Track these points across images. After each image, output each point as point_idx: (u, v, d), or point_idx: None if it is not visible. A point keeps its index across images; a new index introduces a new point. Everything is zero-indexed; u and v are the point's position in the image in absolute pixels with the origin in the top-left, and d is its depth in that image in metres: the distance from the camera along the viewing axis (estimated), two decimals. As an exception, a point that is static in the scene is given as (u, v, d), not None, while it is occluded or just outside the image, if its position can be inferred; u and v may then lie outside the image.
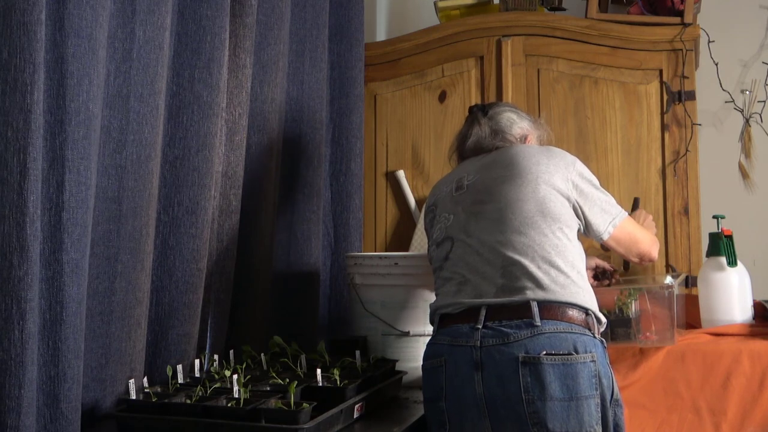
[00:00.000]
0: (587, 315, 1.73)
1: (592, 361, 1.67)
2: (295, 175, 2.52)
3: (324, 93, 2.65)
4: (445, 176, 2.06)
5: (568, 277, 1.73)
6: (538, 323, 1.66)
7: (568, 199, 1.81)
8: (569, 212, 1.81)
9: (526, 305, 1.68)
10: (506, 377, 1.64)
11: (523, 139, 2.00)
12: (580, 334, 1.69)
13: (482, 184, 1.86)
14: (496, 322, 1.69)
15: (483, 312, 1.70)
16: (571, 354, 1.65)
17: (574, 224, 1.82)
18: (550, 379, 1.62)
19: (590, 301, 1.76)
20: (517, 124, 2.01)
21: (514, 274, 1.72)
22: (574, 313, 1.71)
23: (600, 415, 1.66)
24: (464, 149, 2.03)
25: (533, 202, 1.78)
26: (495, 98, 2.85)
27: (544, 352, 1.64)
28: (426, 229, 2.03)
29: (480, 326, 1.69)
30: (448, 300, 1.79)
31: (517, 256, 1.73)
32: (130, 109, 1.77)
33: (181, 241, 1.93)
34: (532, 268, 1.72)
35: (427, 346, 1.81)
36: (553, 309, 1.69)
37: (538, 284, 1.70)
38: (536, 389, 1.62)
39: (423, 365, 1.80)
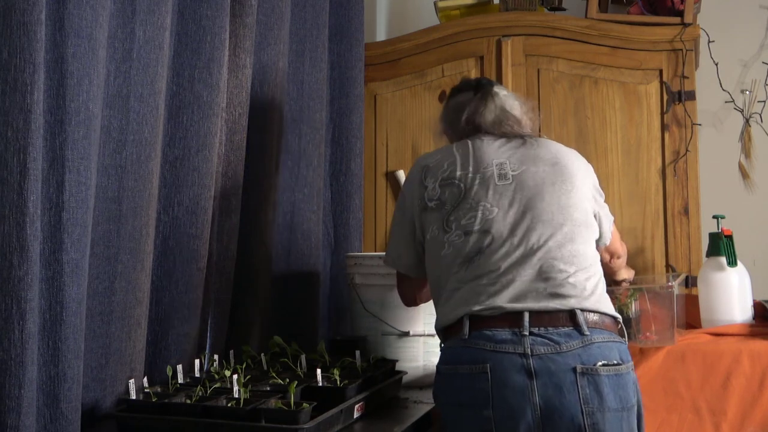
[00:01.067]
0: (616, 322, 1.73)
1: (632, 369, 1.68)
2: (295, 175, 2.52)
3: (324, 93, 2.65)
4: (460, 147, 1.87)
5: (602, 287, 1.74)
6: (587, 332, 1.64)
7: (593, 209, 1.83)
8: (596, 222, 1.84)
9: (571, 313, 1.65)
10: (564, 387, 1.60)
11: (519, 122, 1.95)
12: (620, 342, 1.70)
13: (531, 180, 1.78)
14: (540, 328, 1.64)
15: (526, 317, 1.64)
16: (620, 364, 1.65)
17: (597, 234, 1.85)
18: (606, 390, 1.61)
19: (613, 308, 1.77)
20: (516, 106, 1.96)
21: (558, 281, 1.68)
22: (610, 322, 1.71)
23: (637, 421, 1.67)
24: (480, 122, 1.89)
25: (581, 210, 1.78)
26: (495, 98, 2.85)
27: (600, 363, 1.62)
28: (433, 199, 1.81)
29: (527, 333, 1.63)
30: (481, 301, 1.68)
31: (562, 264, 1.70)
32: (130, 109, 1.77)
33: (181, 241, 1.93)
34: (577, 276, 1.70)
35: (456, 348, 1.69)
36: (595, 318, 1.67)
37: (582, 293, 1.68)
38: (595, 400, 1.60)
39: (454, 368, 1.68)
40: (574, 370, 1.61)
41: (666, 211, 2.72)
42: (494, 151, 1.83)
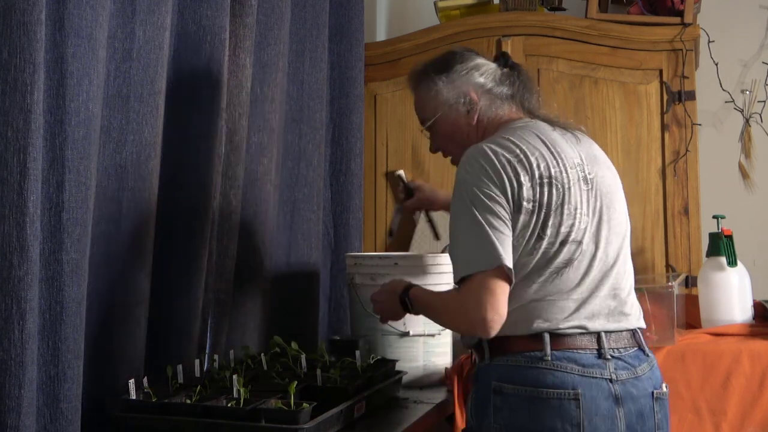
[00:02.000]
0: None
1: None
2: (295, 175, 2.52)
3: (324, 93, 2.65)
4: (529, 137, 1.60)
5: None
6: (649, 353, 1.60)
7: None
8: None
9: (635, 333, 1.60)
10: (645, 414, 1.55)
11: None
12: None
13: (605, 186, 1.63)
14: (615, 351, 1.55)
15: (604, 338, 1.53)
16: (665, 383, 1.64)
17: None
18: (667, 413, 1.60)
19: None
20: None
21: (622, 299, 1.60)
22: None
23: None
24: (531, 108, 1.72)
25: (629, 219, 1.71)
26: (495, 98, 2.85)
27: (664, 385, 1.61)
28: (530, 200, 1.53)
29: (609, 357, 1.53)
30: (564, 317, 1.54)
31: (624, 281, 1.63)
32: (130, 109, 1.77)
33: (181, 241, 1.93)
34: (631, 293, 1.64)
35: (532, 368, 1.52)
36: (644, 337, 1.62)
37: (637, 311, 1.63)
38: (664, 425, 1.59)
39: (535, 391, 1.51)
40: (652, 395, 1.57)
41: (666, 211, 2.72)
42: (566, 146, 1.63)
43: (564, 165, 1.58)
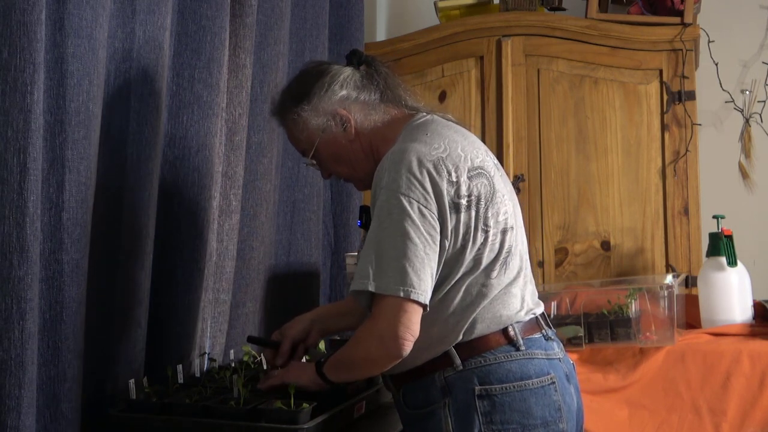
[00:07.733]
0: None
1: None
2: (295, 175, 2.52)
3: (324, 93, 2.64)
4: (445, 127, 1.58)
5: None
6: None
7: None
8: None
9: (543, 313, 1.64)
10: (578, 386, 1.63)
11: None
12: None
13: (502, 168, 1.66)
14: (549, 331, 1.59)
15: (542, 321, 1.59)
16: None
17: None
18: None
19: None
20: None
21: (533, 280, 1.66)
22: None
23: None
24: (405, 100, 1.68)
25: None
26: (495, 98, 2.85)
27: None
28: (465, 195, 1.48)
29: (553, 337, 1.59)
30: (522, 305, 1.56)
31: (528, 263, 1.67)
32: (130, 109, 1.77)
33: (181, 241, 1.93)
34: None
35: (513, 362, 1.51)
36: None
37: None
38: None
39: (522, 385, 1.49)
40: (573, 366, 1.64)
41: (666, 211, 2.72)
42: (469, 134, 1.63)
43: (480, 152, 1.56)
